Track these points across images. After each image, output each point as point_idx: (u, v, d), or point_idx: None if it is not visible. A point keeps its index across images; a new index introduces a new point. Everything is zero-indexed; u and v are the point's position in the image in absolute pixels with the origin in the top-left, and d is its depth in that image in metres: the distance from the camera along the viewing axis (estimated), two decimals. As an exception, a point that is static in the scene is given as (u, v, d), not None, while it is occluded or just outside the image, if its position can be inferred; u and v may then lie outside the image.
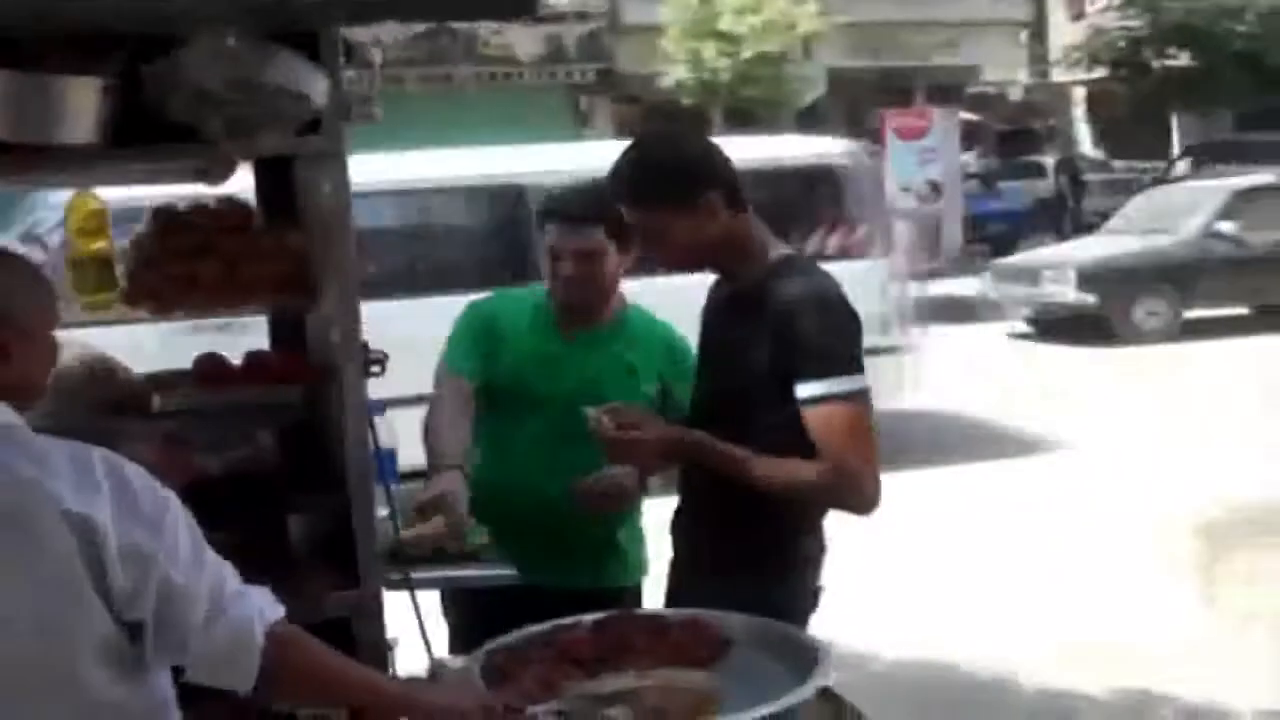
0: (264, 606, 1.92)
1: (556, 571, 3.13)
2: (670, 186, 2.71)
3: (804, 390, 2.62)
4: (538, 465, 3.21)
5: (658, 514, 3.12)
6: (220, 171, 2.75)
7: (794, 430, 2.64)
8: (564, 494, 3.11)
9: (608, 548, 3.35)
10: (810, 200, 8.93)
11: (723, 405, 2.80)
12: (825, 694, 2.40)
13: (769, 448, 2.68)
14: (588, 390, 3.09)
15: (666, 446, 2.78)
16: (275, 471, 2.83)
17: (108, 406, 2.96)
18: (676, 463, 2.90)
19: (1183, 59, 23.07)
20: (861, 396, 2.64)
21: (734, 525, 2.79)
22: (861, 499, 2.67)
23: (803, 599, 2.82)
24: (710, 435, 2.74)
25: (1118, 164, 29.19)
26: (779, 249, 2.82)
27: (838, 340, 2.65)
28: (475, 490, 3.16)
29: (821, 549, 2.88)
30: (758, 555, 2.77)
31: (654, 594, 3.26)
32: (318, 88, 2.41)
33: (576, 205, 3.20)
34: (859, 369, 2.65)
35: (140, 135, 2.42)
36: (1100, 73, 25.02)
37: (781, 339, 2.65)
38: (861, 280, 7.24)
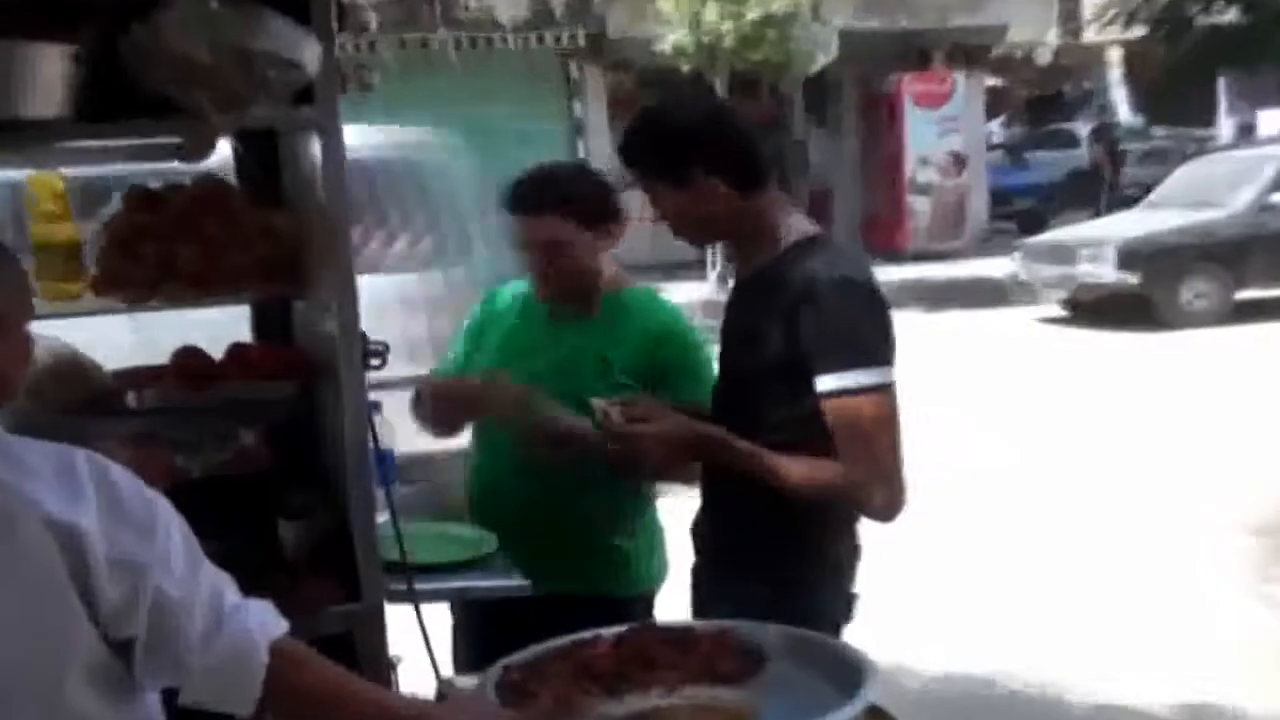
0: (266, 621, 1.92)
1: (555, 576, 3.15)
2: (659, 160, 2.78)
3: (823, 383, 2.65)
4: (525, 463, 3.26)
5: (679, 513, 3.15)
6: (200, 146, 2.75)
7: (810, 426, 2.66)
8: (553, 493, 3.20)
9: (613, 552, 3.37)
10: (370, 200, 7.85)
11: (735, 397, 2.84)
12: (873, 712, 2.41)
13: (780, 444, 2.70)
14: (560, 383, 3.18)
15: (677, 442, 2.79)
16: (262, 474, 2.84)
17: (76, 405, 2.96)
18: (690, 460, 2.90)
19: (1230, 15, 23.02)
20: (886, 390, 2.65)
21: (758, 527, 2.81)
22: (883, 503, 2.68)
23: (835, 607, 2.84)
24: (725, 430, 2.76)
25: (1158, 131, 29.26)
26: (800, 231, 2.82)
27: (858, 328, 2.66)
28: (472, 493, 3.25)
29: (855, 552, 2.90)
30: (784, 559, 2.79)
31: (671, 601, 3.34)
32: (310, 54, 2.40)
33: (530, 194, 3.26)
34: (884, 361, 2.66)
35: (114, 109, 2.42)
36: (1138, 32, 24.96)
37: (795, 327, 2.67)
38: (401, 296, 7.04)
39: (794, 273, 2.71)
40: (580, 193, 3.26)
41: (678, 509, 3.24)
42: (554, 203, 3.21)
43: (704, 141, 2.76)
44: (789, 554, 2.79)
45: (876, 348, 2.67)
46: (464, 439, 3.48)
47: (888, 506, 2.68)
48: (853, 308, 2.67)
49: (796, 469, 2.69)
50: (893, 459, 2.66)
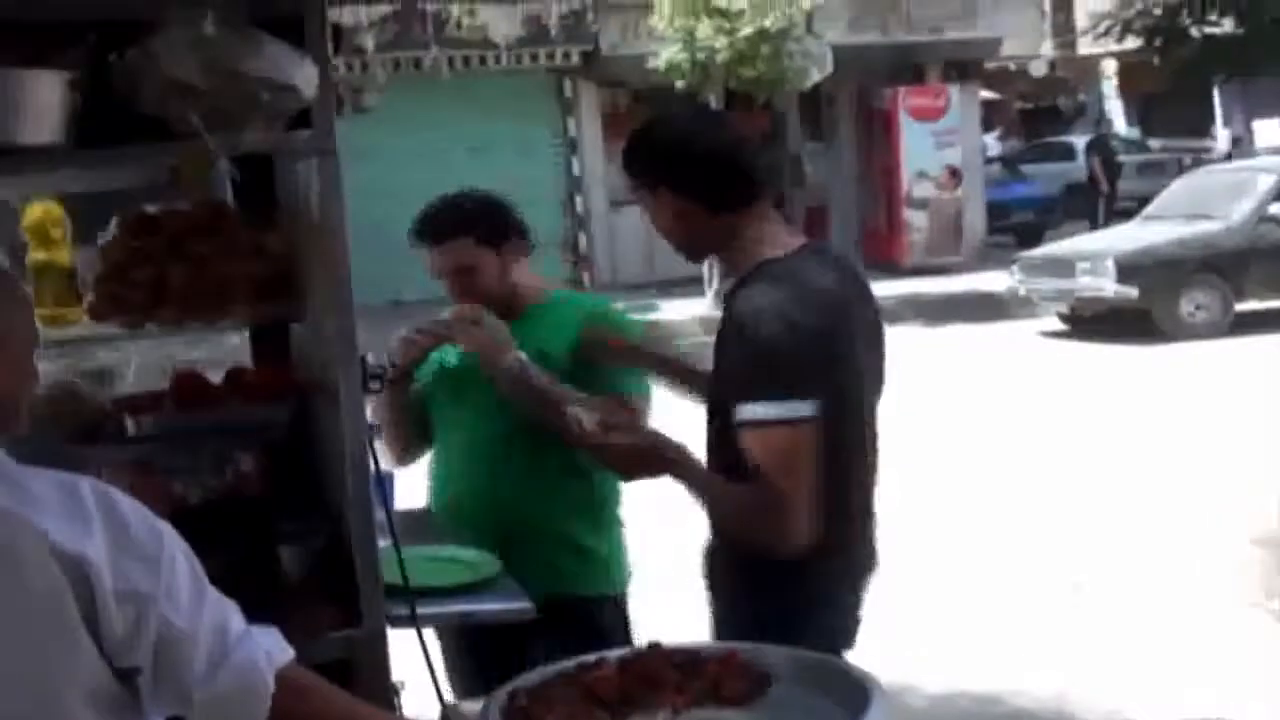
0: (271, 648, 1.91)
1: (530, 579, 3.20)
2: (636, 174, 2.88)
3: (740, 412, 2.68)
4: (482, 469, 3.44)
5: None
6: (196, 176, 2.76)
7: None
8: (513, 495, 3.39)
9: (584, 552, 3.51)
10: None
11: (708, 413, 2.89)
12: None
13: (730, 463, 2.73)
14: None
15: (643, 454, 2.83)
16: (262, 498, 2.83)
17: (74, 432, 2.96)
18: (657, 472, 2.88)
19: (1226, 25, 23.09)
20: (798, 424, 2.64)
21: (741, 546, 2.83)
22: (784, 531, 2.68)
23: (824, 631, 2.82)
24: (685, 449, 2.80)
25: (1155, 143, 29.28)
26: (770, 252, 2.82)
27: (769, 361, 2.66)
28: (440, 501, 3.55)
29: (848, 575, 2.89)
30: (766, 582, 2.79)
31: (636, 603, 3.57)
32: (305, 78, 2.41)
33: (437, 224, 3.49)
34: (798, 393, 2.64)
35: (110, 134, 2.43)
36: (1132, 44, 25.05)
37: (725, 354, 2.75)
38: None
39: (736, 297, 2.78)
40: (481, 216, 3.50)
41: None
42: (458, 229, 3.46)
43: (672, 158, 2.83)
44: (771, 577, 2.79)
45: (785, 381, 2.65)
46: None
47: (792, 534, 2.68)
48: (765, 339, 2.66)
49: (710, 489, 2.77)
50: (798, 487, 2.65)
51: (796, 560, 2.75)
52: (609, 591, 3.57)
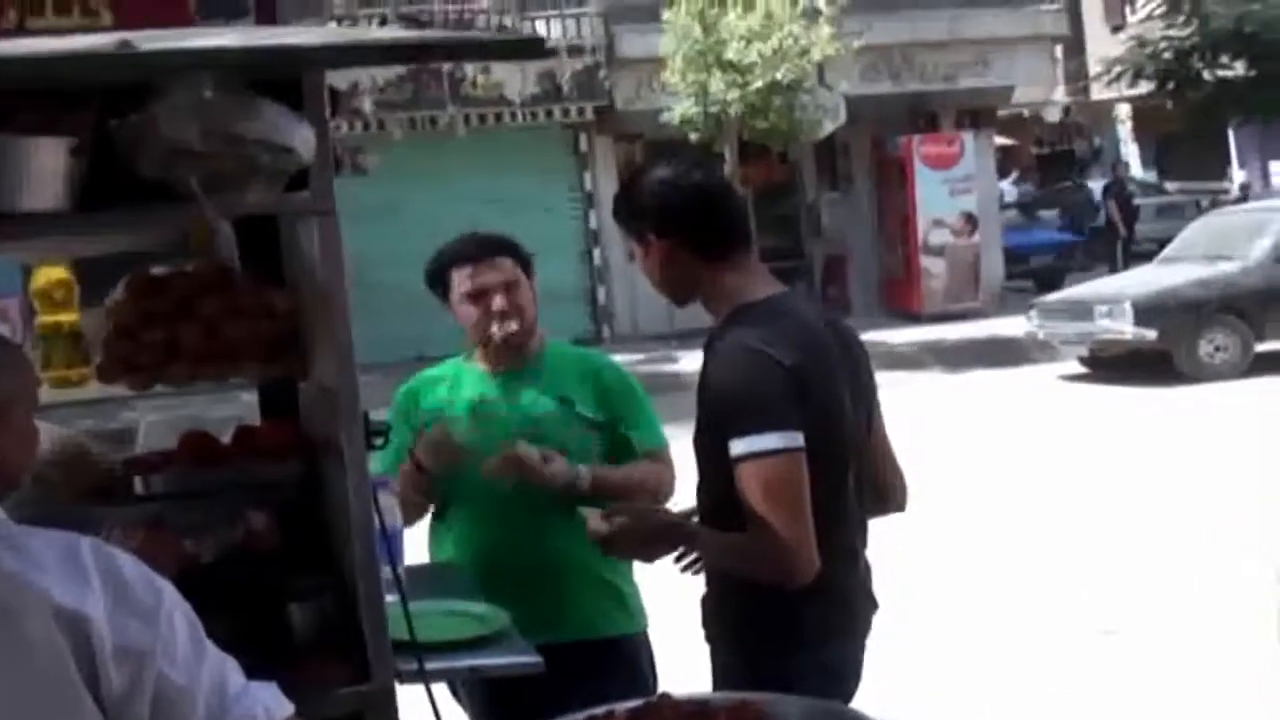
0: (270, 704, 1.92)
1: (560, 626, 3.35)
2: (624, 217, 2.98)
3: (730, 449, 2.72)
4: (505, 520, 3.45)
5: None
6: (206, 238, 2.79)
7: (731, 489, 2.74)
8: (539, 541, 3.42)
9: (605, 593, 3.55)
10: None
11: (695, 453, 2.93)
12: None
13: (718, 503, 2.81)
14: (527, 431, 3.45)
15: (651, 540, 2.96)
16: (272, 555, 2.84)
17: (84, 493, 2.97)
18: (667, 550, 2.99)
19: (1237, 68, 23.13)
20: (773, 456, 2.68)
21: (728, 598, 2.92)
22: (778, 565, 2.71)
23: (810, 677, 2.80)
24: (690, 521, 2.96)
25: (1171, 185, 29.31)
26: (749, 297, 2.88)
27: (739, 397, 2.72)
28: (462, 563, 3.54)
29: (833, 621, 2.88)
30: (763, 622, 2.82)
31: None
32: (303, 139, 2.44)
33: (476, 245, 3.57)
34: (779, 426, 2.68)
35: (114, 198, 2.45)
36: (1145, 87, 25.12)
37: (706, 396, 2.81)
38: None
39: (715, 342, 2.85)
40: (511, 243, 3.60)
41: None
42: (501, 248, 3.55)
43: (656, 203, 2.90)
44: (764, 620, 2.82)
45: (766, 416, 2.69)
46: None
47: (788, 569, 2.71)
48: (742, 376, 2.73)
49: (726, 553, 2.85)
50: (784, 521, 2.68)
51: (787, 602, 2.76)
52: (638, 630, 3.64)
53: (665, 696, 2.69)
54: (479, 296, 3.49)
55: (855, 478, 2.91)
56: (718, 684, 2.88)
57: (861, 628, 2.96)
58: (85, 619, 1.75)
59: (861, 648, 2.95)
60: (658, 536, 2.96)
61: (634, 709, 2.57)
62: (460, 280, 3.52)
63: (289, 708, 1.94)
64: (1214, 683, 5.87)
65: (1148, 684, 5.93)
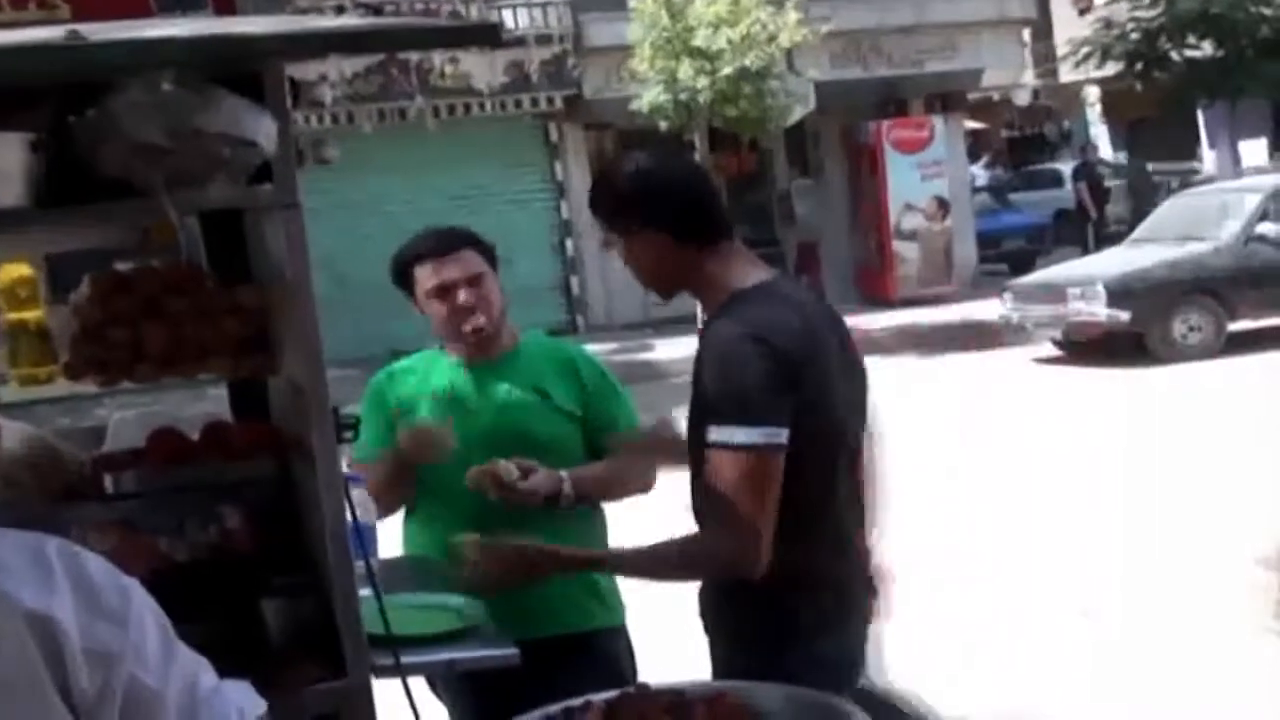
0: (244, 703, 1.89)
1: (538, 620, 3.32)
2: (603, 211, 2.93)
3: (706, 434, 2.71)
4: (480, 515, 3.34)
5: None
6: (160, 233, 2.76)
7: None
8: (514, 536, 3.27)
9: (583, 587, 3.52)
10: None
11: (688, 442, 2.89)
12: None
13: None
14: (505, 421, 3.46)
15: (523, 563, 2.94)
16: (246, 553, 2.82)
17: (54, 493, 2.94)
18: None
19: (1205, 49, 23.21)
20: (745, 451, 2.65)
21: (725, 585, 2.86)
22: (733, 554, 2.70)
23: (824, 661, 2.80)
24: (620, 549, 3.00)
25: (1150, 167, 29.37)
26: (740, 284, 2.85)
27: (725, 386, 2.70)
28: (440, 557, 3.41)
29: (829, 616, 2.86)
30: (759, 615, 2.80)
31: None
32: (265, 132, 2.42)
33: (438, 240, 3.56)
34: (766, 419, 2.66)
35: (73, 194, 2.43)
36: (1114, 69, 25.17)
37: (699, 384, 2.77)
38: None
39: (709, 328, 2.83)
40: (474, 236, 3.60)
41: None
42: (462, 241, 3.54)
43: (635, 194, 2.87)
44: (760, 613, 2.80)
45: (753, 407, 2.67)
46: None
47: (740, 559, 2.69)
48: (734, 366, 2.69)
49: (659, 564, 2.86)
50: (746, 512, 2.66)
51: (777, 596, 2.75)
52: (617, 623, 3.63)
53: (642, 687, 2.69)
54: (443, 292, 3.48)
55: (849, 465, 2.88)
56: (717, 677, 2.85)
57: (858, 616, 2.93)
58: (54, 621, 1.72)
59: (860, 636, 2.94)
60: (521, 567, 2.94)
61: (611, 700, 2.56)
62: (424, 277, 3.51)
63: (262, 706, 1.92)
64: (1191, 663, 5.90)
65: (1125, 665, 5.95)
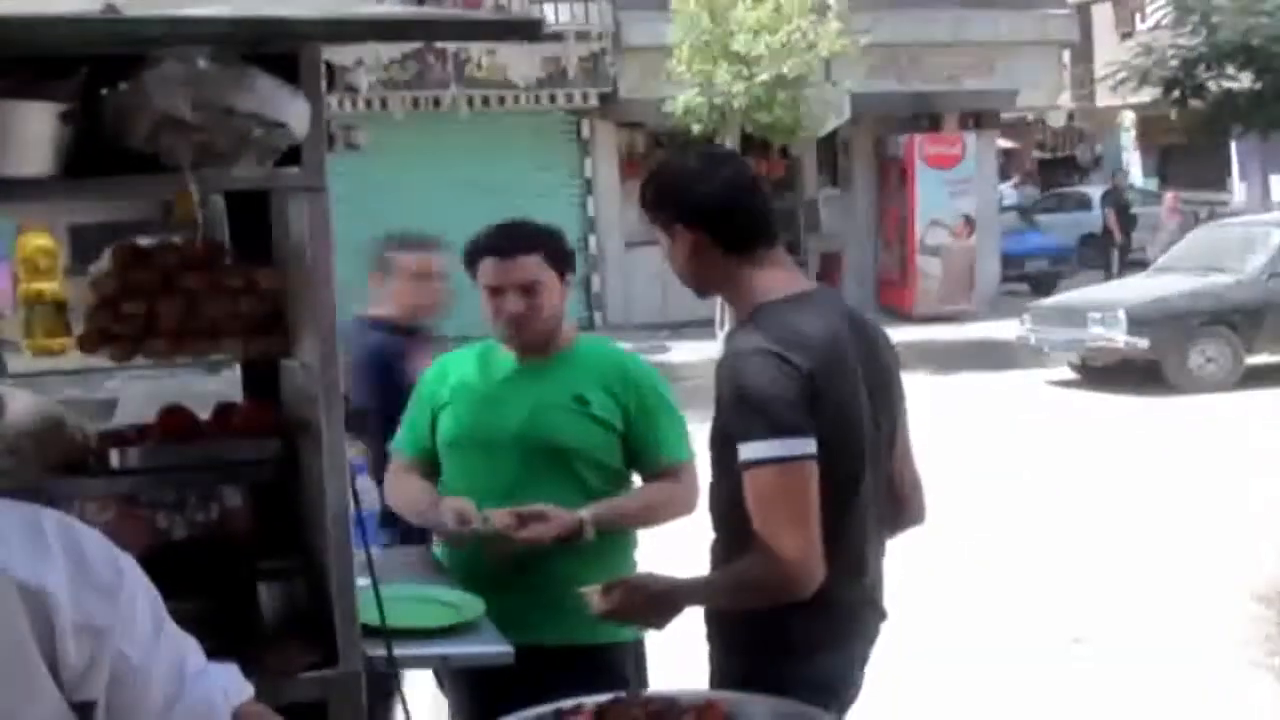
0: (229, 686, 1.89)
1: (547, 628, 3.26)
2: (651, 204, 2.92)
3: (739, 453, 2.68)
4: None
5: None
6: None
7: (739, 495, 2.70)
8: (530, 548, 3.27)
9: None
10: None
11: (710, 453, 2.88)
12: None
13: (726, 514, 2.77)
14: (537, 424, 3.39)
15: (654, 606, 2.87)
16: (245, 535, 2.81)
17: (58, 465, 2.94)
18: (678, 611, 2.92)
19: (1243, 80, 23.08)
20: (778, 464, 2.63)
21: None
22: (781, 579, 2.66)
23: (822, 680, 2.79)
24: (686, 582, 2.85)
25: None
26: (770, 296, 2.83)
27: (745, 404, 2.67)
28: (452, 559, 3.40)
29: (826, 633, 2.83)
30: (763, 631, 2.78)
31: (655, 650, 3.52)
32: (297, 114, 2.41)
33: (507, 238, 3.47)
34: (786, 433, 2.64)
35: (102, 167, 2.42)
36: (1150, 94, 25.05)
37: (720, 396, 2.76)
38: None
39: (731, 339, 2.83)
40: (549, 237, 3.52)
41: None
42: (531, 246, 3.45)
43: (685, 192, 2.86)
44: (765, 629, 2.78)
45: (772, 422, 2.65)
46: None
47: (786, 579, 2.66)
48: (743, 380, 2.68)
49: (724, 593, 2.83)
50: (778, 531, 2.64)
51: (776, 613, 2.73)
52: (630, 638, 3.51)
53: (635, 694, 2.68)
54: (496, 293, 3.43)
55: (872, 486, 2.85)
56: (714, 685, 2.84)
57: (860, 640, 2.91)
58: (46, 593, 1.72)
59: (861, 658, 2.91)
60: (655, 606, 2.88)
61: (601, 704, 2.56)
62: (484, 272, 3.45)
63: (248, 690, 1.91)
64: (1182, 696, 5.86)
65: (1117, 694, 5.91)
